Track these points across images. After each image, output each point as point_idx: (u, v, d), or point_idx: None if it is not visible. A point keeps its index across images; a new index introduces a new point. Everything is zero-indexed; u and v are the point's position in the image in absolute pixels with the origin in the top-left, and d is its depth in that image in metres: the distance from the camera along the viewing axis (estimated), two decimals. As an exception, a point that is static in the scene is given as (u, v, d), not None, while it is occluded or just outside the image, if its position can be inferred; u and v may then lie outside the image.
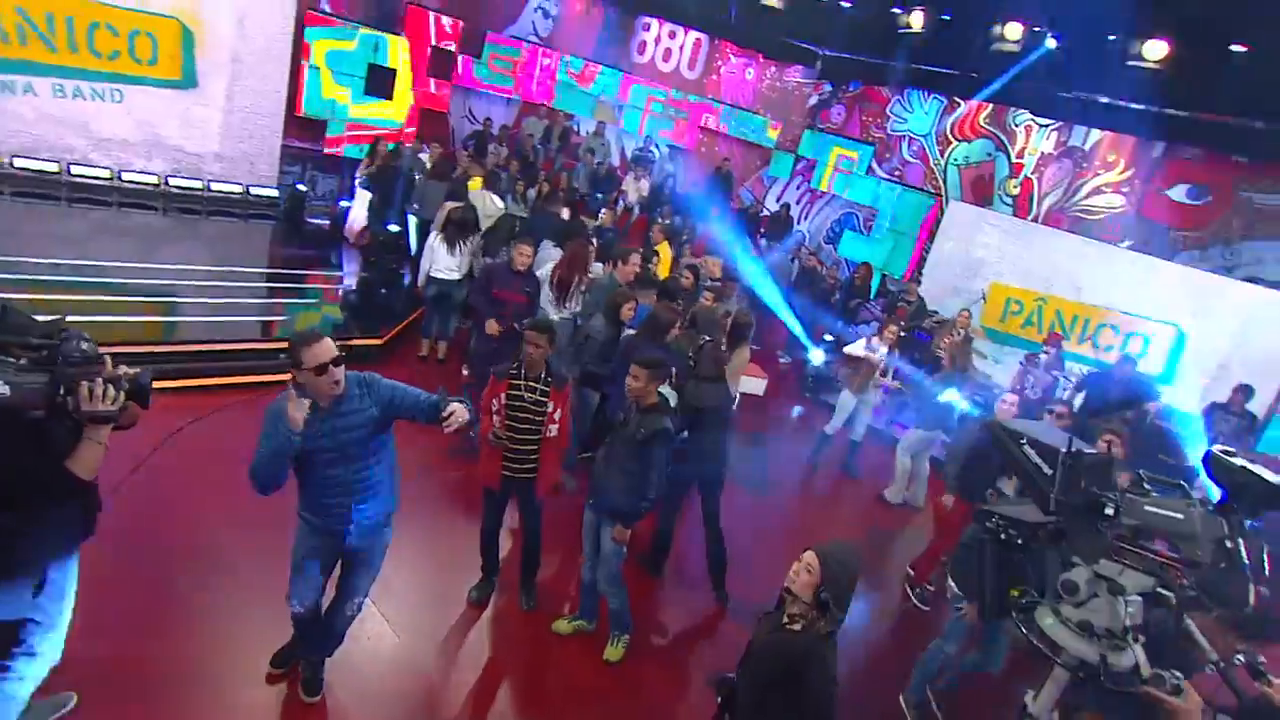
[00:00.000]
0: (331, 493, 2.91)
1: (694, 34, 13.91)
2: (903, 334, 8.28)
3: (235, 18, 9.28)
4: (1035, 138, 11.16)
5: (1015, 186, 11.39)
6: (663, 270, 7.20)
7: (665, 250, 7.64)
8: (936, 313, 10.03)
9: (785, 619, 2.53)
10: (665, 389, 4.17)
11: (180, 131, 9.42)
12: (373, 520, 3.06)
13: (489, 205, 7.77)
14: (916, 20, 10.95)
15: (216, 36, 9.26)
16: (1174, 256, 9.85)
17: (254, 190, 9.97)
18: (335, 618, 3.25)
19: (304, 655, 3.28)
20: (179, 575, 3.79)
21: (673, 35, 13.80)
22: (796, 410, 9.13)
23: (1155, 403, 7.62)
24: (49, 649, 2.54)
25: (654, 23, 13.60)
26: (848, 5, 12.22)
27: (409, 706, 3.40)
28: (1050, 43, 10.02)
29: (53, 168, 8.69)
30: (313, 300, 8.08)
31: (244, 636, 3.44)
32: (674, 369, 4.42)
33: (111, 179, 9.02)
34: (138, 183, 9.18)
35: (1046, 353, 8.07)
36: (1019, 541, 2.96)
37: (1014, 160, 11.40)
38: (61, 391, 2.13)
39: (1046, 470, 2.87)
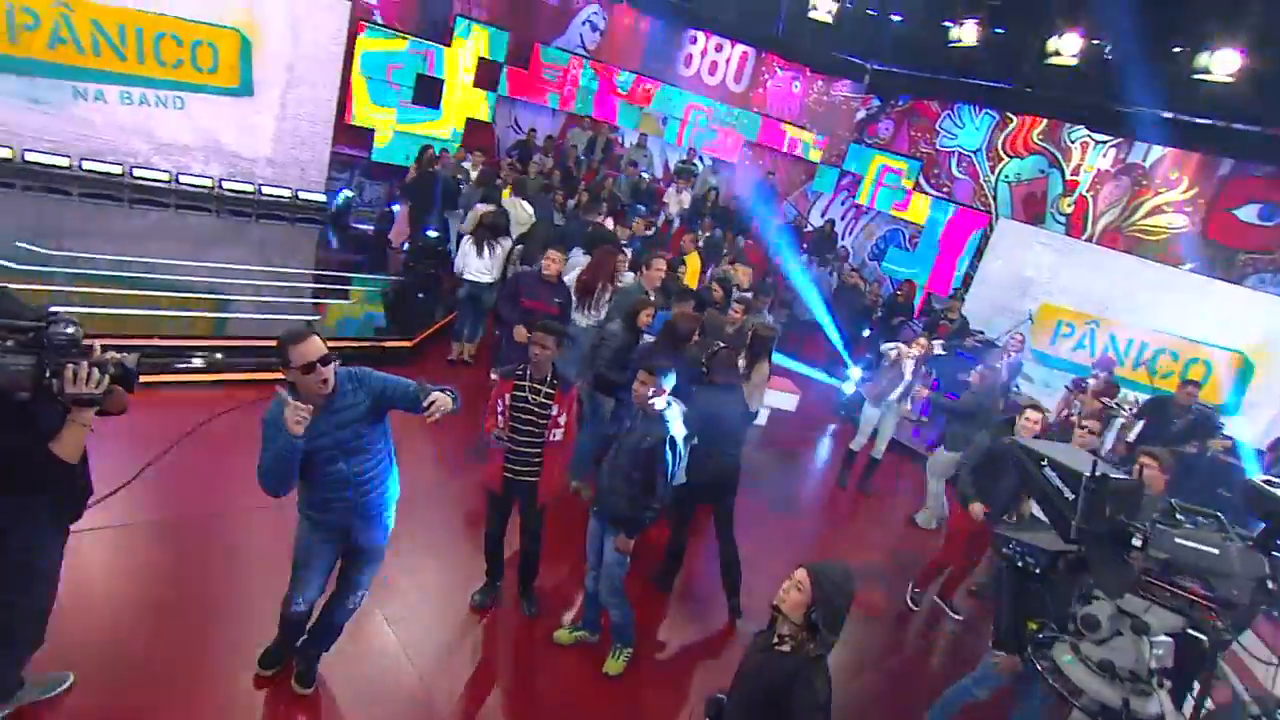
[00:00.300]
0: (335, 488, 2.92)
1: (740, 47, 13.86)
2: (941, 351, 8.01)
3: (290, 28, 9.63)
4: (1091, 154, 10.73)
5: (1069, 205, 10.96)
6: (689, 280, 7.12)
7: (694, 260, 7.56)
8: (981, 332, 9.68)
9: (775, 639, 2.41)
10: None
11: (236, 137, 9.80)
12: (378, 511, 3.07)
13: (520, 212, 7.84)
14: (968, 34, 10.67)
15: (273, 46, 9.62)
16: (1242, 280, 9.31)
17: (303, 195, 10.29)
18: (336, 611, 3.24)
19: (302, 649, 3.28)
20: (191, 562, 3.86)
21: (719, 48, 13.78)
22: (830, 428, 8.91)
23: (1220, 437, 7.13)
24: (31, 632, 2.56)
25: (701, 36, 13.61)
26: (898, 19, 12.02)
27: (401, 707, 3.37)
28: (1109, 56, 9.64)
29: (117, 170, 9.14)
30: (351, 301, 8.24)
31: (246, 628, 3.46)
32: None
33: (170, 181, 9.44)
34: (194, 186, 9.58)
35: (1096, 377, 7.67)
36: (1036, 570, 2.78)
37: (1068, 177, 10.97)
38: (47, 374, 2.16)
39: (1068, 494, 2.68)
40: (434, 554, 4.42)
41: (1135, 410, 7.69)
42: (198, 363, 5.78)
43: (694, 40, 13.64)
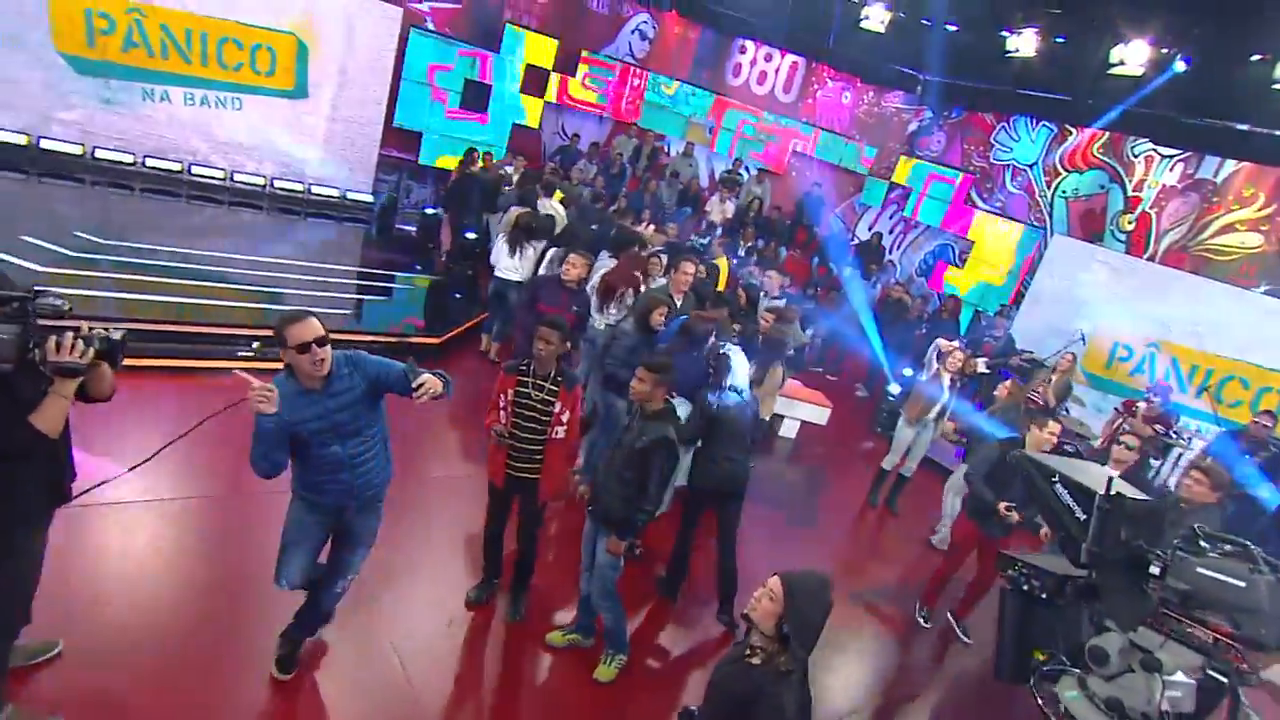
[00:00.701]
0: (329, 470, 2.93)
1: (790, 57, 13.72)
2: (984, 369, 7.67)
3: (345, 33, 9.95)
4: (1156, 169, 10.18)
5: (1130, 222, 10.41)
6: (718, 285, 7.01)
7: (724, 264, 7.45)
8: (1030, 352, 9.24)
9: (747, 650, 2.28)
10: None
11: (290, 138, 10.16)
12: (373, 493, 3.09)
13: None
14: (1027, 43, 10.29)
15: (328, 50, 9.97)
16: (1323, 305, 8.65)
17: (350, 195, 10.58)
18: (324, 595, 3.23)
19: (286, 633, 3.26)
20: (195, 545, 3.94)
21: (769, 58, 13.66)
22: (865, 445, 8.63)
23: None
24: (13, 612, 2.58)
25: (750, 45, 13.52)
26: (953, 28, 11.70)
27: (385, 702, 3.32)
28: (1179, 65, 9.15)
29: (176, 167, 9.58)
30: (385, 299, 8.40)
31: (240, 609, 3.50)
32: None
33: (225, 179, 9.83)
34: (247, 184, 9.98)
35: (1149, 401, 7.20)
36: (1042, 595, 2.58)
37: (1130, 193, 10.43)
38: (31, 345, 2.19)
39: (1079, 514, 2.48)
40: (432, 548, 4.39)
41: (1205, 446, 7.15)
42: (241, 351, 5.96)
43: (743, 50, 13.56)
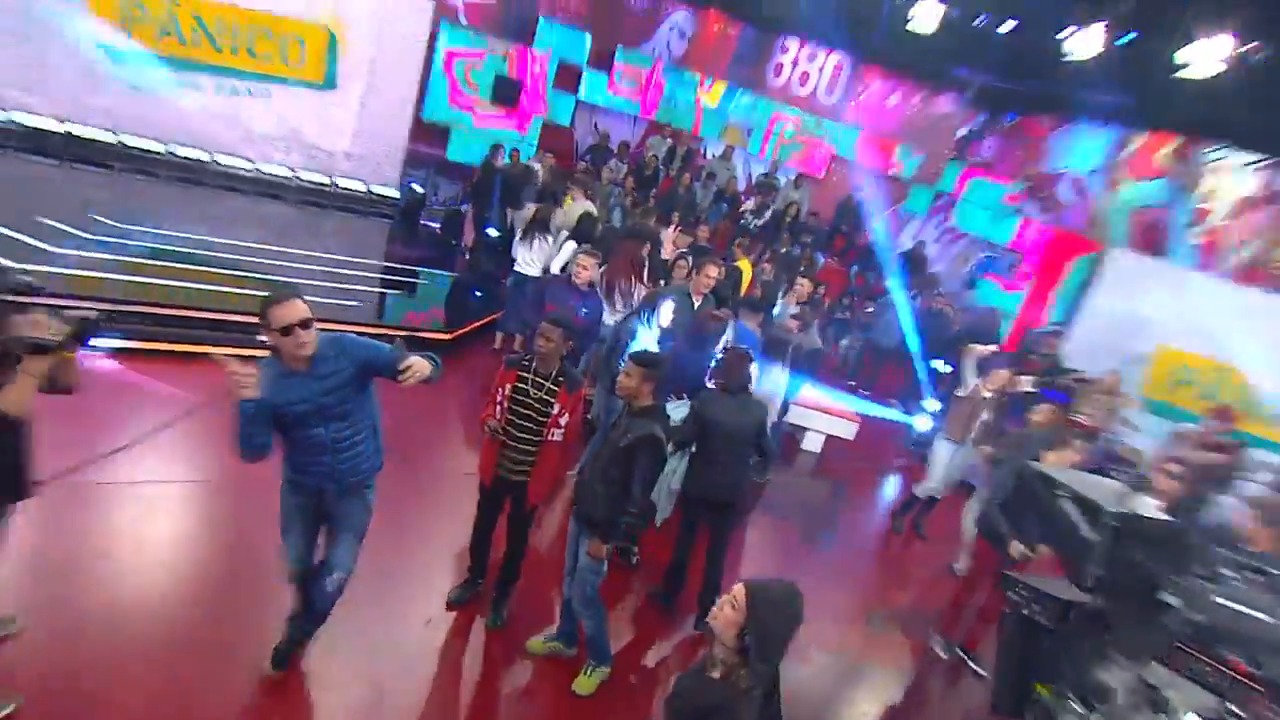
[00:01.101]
0: (313, 452, 2.85)
1: (835, 56, 13.22)
2: (1029, 389, 7.09)
3: (375, 26, 9.95)
4: (1230, 178, 9.35)
5: (1199, 235, 9.59)
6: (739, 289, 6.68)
7: (745, 266, 7.11)
8: (1081, 371, 8.56)
9: (709, 663, 2.03)
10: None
11: (317, 130, 10.19)
12: (356, 478, 2.96)
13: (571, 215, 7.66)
14: (1088, 44, 9.59)
15: (358, 43, 9.97)
16: None
17: (375, 189, 10.54)
18: (315, 594, 3.05)
19: (289, 626, 3.13)
20: (179, 531, 3.84)
21: (812, 58, 13.21)
22: (896, 463, 8.10)
23: None
24: None
25: (793, 44, 13.09)
26: (1008, 28, 11.05)
27: (344, 698, 3.12)
28: (1261, 63, 8.36)
29: (203, 156, 9.67)
30: (401, 293, 8.27)
31: (217, 604, 3.37)
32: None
33: (251, 169, 9.88)
34: (273, 174, 10.02)
35: (1208, 427, 6.50)
36: (1044, 622, 2.14)
37: (1199, 204, 9.61)
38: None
39: (1086, 533, 2.03)
40: (424, 544, 4.22)
41: (1274, 480, 6.41)
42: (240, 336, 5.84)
43: (785, 49, 13.14)
